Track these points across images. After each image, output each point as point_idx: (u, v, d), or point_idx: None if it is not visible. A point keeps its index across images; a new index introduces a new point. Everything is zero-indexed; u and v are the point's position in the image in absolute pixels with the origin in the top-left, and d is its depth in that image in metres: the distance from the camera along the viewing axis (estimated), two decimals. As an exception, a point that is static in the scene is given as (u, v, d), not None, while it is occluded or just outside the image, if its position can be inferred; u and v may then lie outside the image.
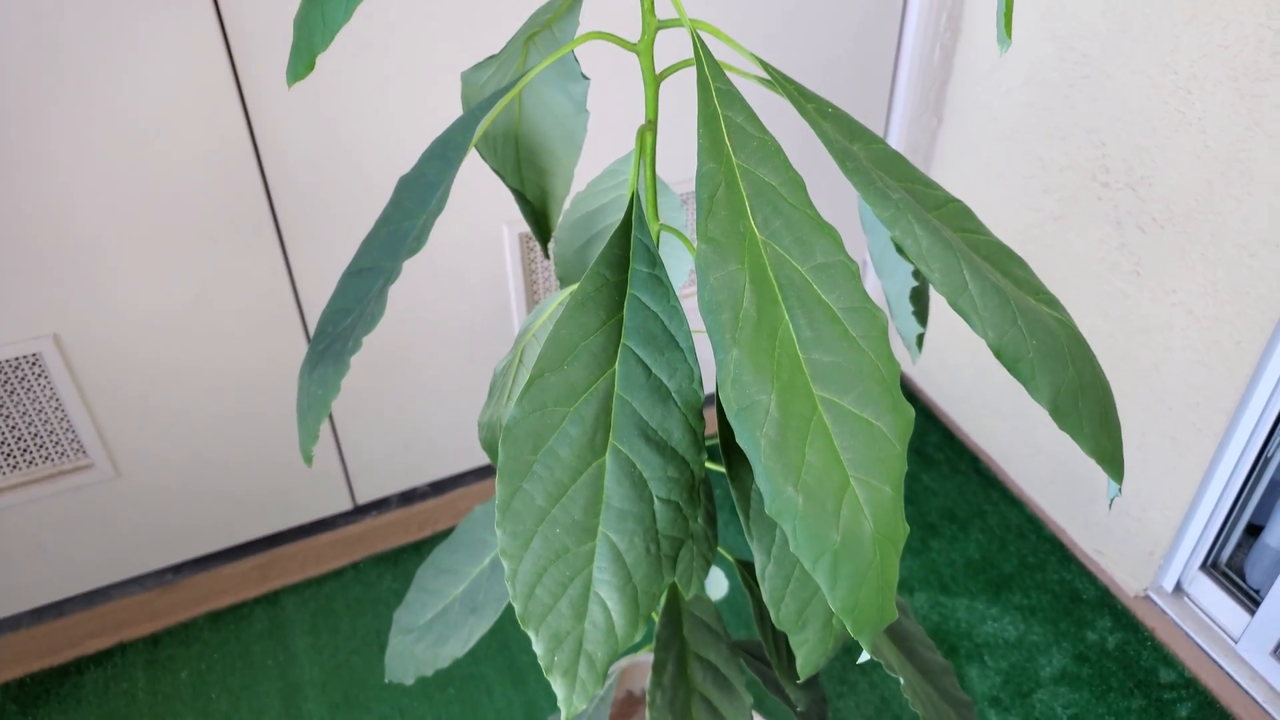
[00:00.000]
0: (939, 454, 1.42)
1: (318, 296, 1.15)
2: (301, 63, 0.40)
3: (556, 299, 0.64)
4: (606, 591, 0.46)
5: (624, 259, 0.48)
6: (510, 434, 0.46)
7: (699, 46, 0.44)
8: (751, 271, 0.42)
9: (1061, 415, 0.44)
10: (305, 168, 1.06)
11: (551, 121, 0.65)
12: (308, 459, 0.54)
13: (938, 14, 1.23)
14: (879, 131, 1.33)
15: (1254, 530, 1.19)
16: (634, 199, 0.48)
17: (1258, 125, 0.95)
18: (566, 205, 1.09)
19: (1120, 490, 0.48)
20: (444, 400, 1.29)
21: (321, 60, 1.01)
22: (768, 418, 0.40)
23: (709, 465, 0.86)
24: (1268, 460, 1.08)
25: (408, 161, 1.10)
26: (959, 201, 0.47)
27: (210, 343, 1.13)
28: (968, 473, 1.39)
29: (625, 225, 0.48)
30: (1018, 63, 1.18)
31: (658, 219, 0.54)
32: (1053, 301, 0.47)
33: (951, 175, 1.33)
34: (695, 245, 0.57)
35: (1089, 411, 0.45)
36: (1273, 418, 1.03)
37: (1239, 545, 1.18)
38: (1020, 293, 0.46)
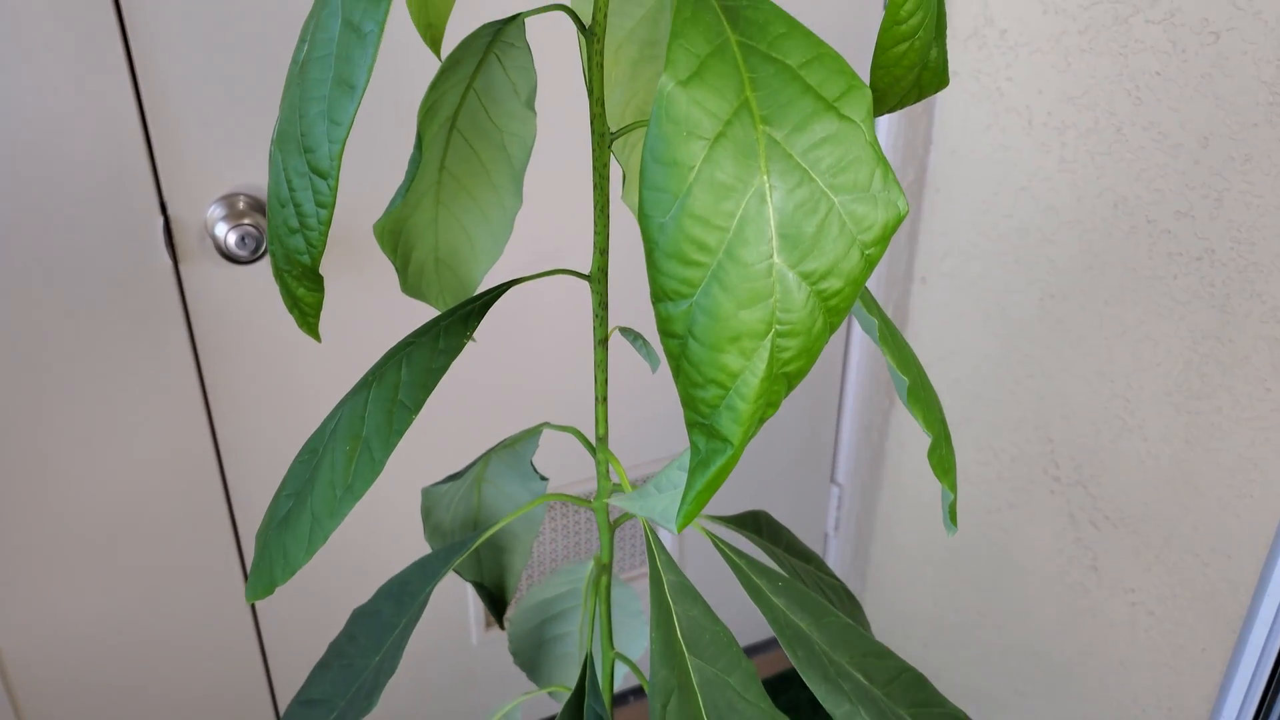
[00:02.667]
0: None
1: (273, 604, 1.12)
2: (261, 585, 0.40)
3: (511, 702, 0.63)
4: None
5: (577, 731, 0.47)
6: None
7: (651, 541, 0.45)
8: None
9: None
10: (269, 473, 1.05)
11: (511, 507, 0.66)
12: None
13: (884, 305, 1.29)
14: (833, 409, 1.37)
15: (1239, 832, 1.15)
16: (587, 663, 0.48)
17: (1195, 440, 0.99)
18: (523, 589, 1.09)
19: None
20: (399, 686, 1.24)
21: (292, 371, 1.03)
22: None
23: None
24: (1244, 768, 1.06)
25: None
26: (911, 670, 0.47)
27: (156, 650, 1.08)
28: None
29: (578, 693, 0.48)
30: (966, 355, 1.23)
31: (612, 648, 0.54)
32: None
33: (905, 455, 1.36)
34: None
35: None
36: (1244, 729, 1.02)
37: None
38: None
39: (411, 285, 0.54)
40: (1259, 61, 0.87)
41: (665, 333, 0.33)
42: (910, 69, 0.40)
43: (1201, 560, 1.01)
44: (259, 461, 1.04)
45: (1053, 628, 1.20)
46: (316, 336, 0.40)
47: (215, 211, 0.95)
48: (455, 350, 0.40)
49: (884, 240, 0.33)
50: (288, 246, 0.36)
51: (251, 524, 1.07)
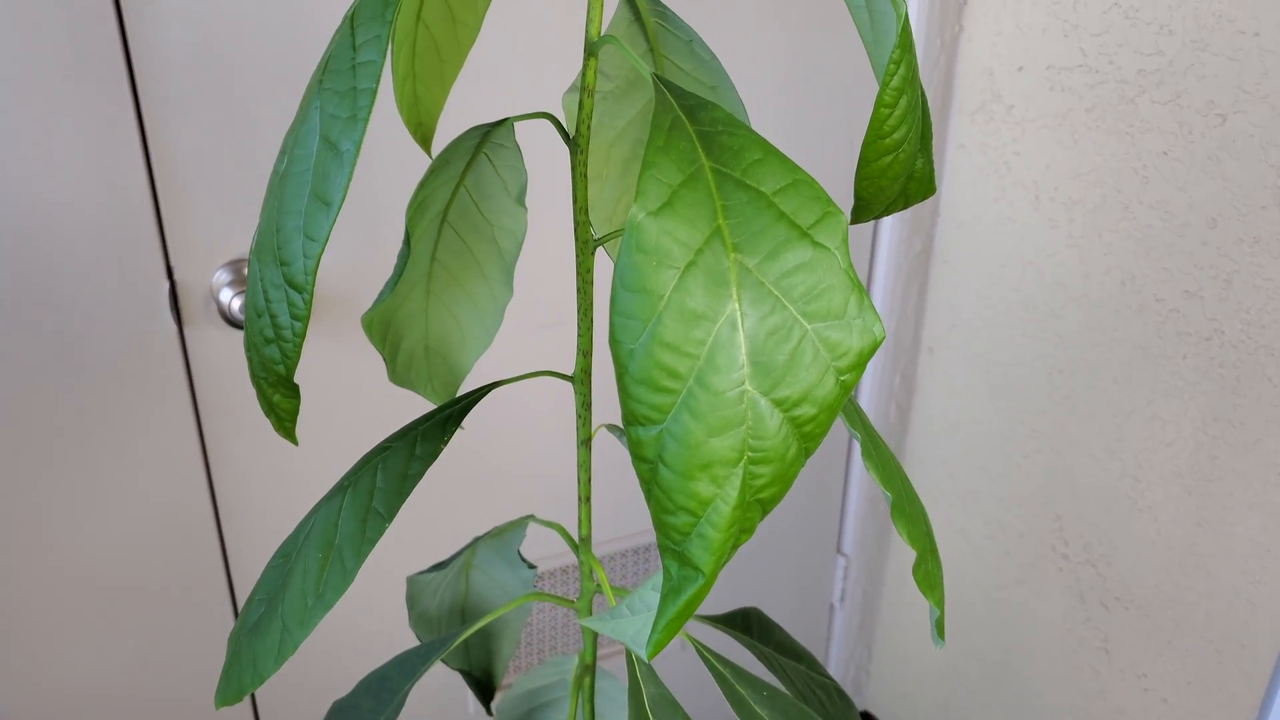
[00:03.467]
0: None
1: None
2: (231, 692, 0.39)
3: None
4: None
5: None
6: None
7: (630, 650, 0.44)
8: None
9: None
10: (267, 538, 1.05)
11: (499, 593, 0.65)
12: None
13: (891, 374, 1.28)
14: (839, 480, 1.35)
15: None
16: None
17: (1207, 523, 0.97)
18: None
19: None
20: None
21: (291, 446, 1.03)
22: None
23: None
24: None
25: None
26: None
27: (152, 718, 1.07)
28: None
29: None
30: (973, 427, 1.22)
31: (597, 747, 0.53)
32: None
33: (915, 522, 1.34)
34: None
35: None
36: (1261, 825, 0.98)
37: None
38: None
39: (400, 374, 0.54)
40: (1266, 145, 0.86)
41: (636, 457, 0.32)
42: (896, 179, 0.40)
43: (1215, 647, 0.98)
44: (258, 527, 1.04)
45: (1063, 710, 1.17)
46: (293, 440, 0.40)
47: (221, 277, 0.96)
48: (432, 456, 0.40)
49: (860, 366, 0.33)
50: (264, 356, 0.36)
51: (248, 590, 1.06)
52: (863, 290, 0.32)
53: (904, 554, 1.37)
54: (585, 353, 0.42)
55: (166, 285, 0.94)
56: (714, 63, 0.46)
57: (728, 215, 0.31)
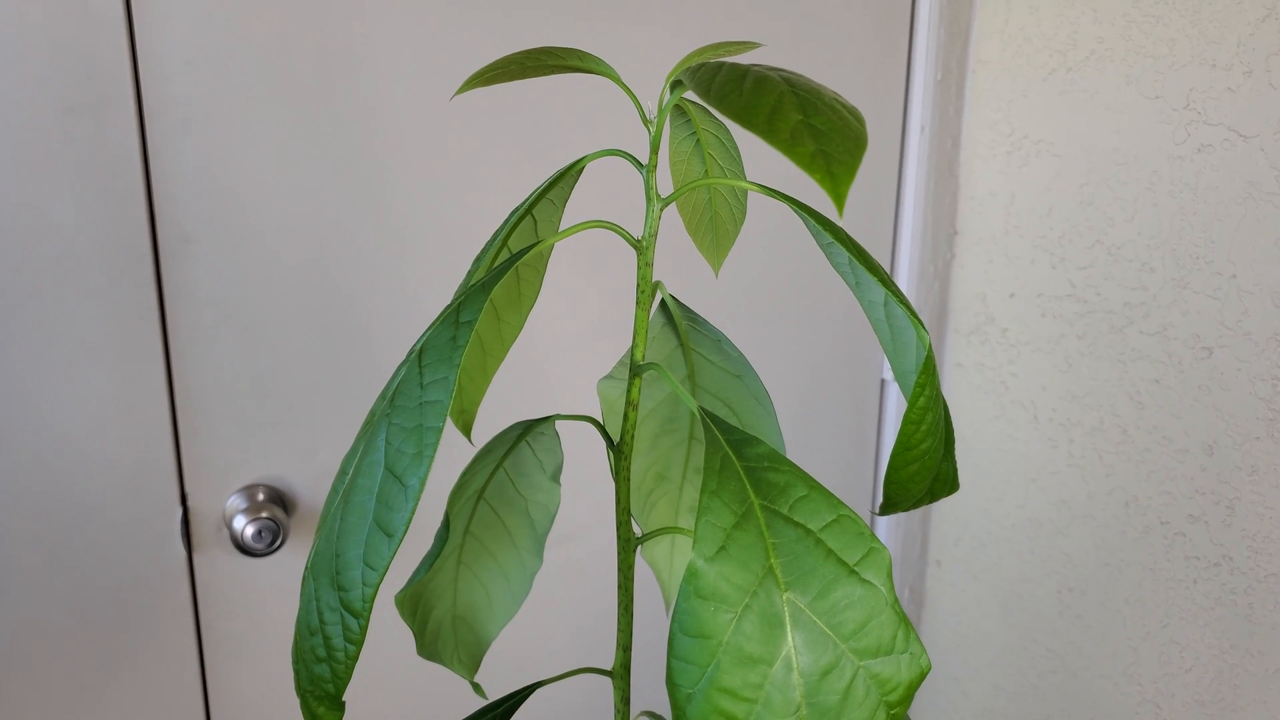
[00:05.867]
0: None
1: None
2: None
3: None
4: None
5: None
6: None
7: None
8: None
9: None
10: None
11: None
12: None
13: (900, 586, 1.27)
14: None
15: None
16: None
17: (1236, 756, 0.94)
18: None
19: None
20: None
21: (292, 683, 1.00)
22: None
23: None
24: None
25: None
26: None
27: None
28: None
29: None
30: (984, 644, 1.20)
31: None
32: None
33: (931, 741, 1.30)
34: None
35: None
36: None
37: None
38: None
39: (428, 647, 0.53)
40: (1254, 379, 0.90)
41: (691, 798, 0.32)
42: (923, 483, 0.42)
43: None
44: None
45: None
46: (333, 750, 0.40)
47: (235, 503, 0.96)
48: (474, 766, 0.39)
49: (908, 699, 0.33)
50: (313, 673, 0.36)
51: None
52: (909, 623, 0.33)
53: (921, 776, 1.31)
54: (625, 647, 0.43)
55: (179, 512, 0.94)
56: (740, 357, 0.48)
57: (778, 554, 0.33)
